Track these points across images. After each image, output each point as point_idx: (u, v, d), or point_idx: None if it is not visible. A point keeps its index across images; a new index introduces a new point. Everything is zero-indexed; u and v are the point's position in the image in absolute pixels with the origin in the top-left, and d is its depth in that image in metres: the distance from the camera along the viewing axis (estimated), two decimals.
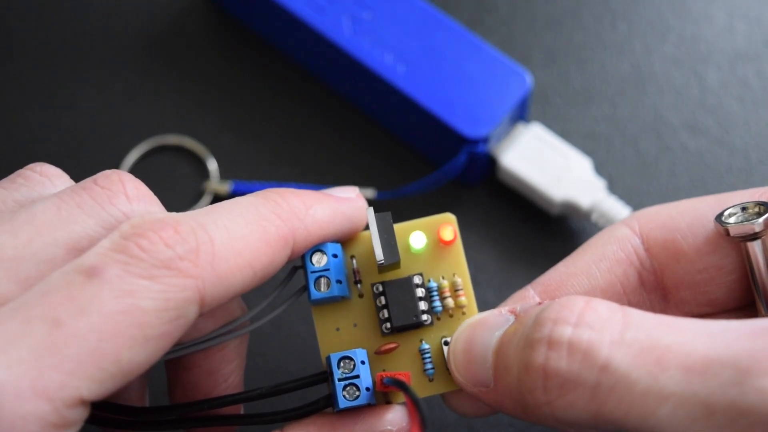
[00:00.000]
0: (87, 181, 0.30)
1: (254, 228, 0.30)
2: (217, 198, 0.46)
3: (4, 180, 0.31)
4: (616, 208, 0.43)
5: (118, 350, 0.26)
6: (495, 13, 0.51)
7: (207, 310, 0.28)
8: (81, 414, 0.26)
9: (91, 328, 0.25)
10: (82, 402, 0.26)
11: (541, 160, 0.45)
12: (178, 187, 0.47)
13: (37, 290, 0.26)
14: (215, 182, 0.47)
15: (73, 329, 0.25)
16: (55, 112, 0.49)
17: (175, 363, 0.34)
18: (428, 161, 0.47)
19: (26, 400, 0.24)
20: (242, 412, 0.35)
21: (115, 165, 0.47)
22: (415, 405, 0.29)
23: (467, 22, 0.50)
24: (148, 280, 0.26)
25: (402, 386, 0.30)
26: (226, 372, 0.34)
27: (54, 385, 0.25)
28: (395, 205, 0.45)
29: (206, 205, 0.45)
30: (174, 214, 0.29)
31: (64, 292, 0.26)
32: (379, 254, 0.32)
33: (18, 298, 0.26)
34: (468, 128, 0.44)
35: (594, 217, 0.44)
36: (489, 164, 0.46)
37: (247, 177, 0.47)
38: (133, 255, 0.27)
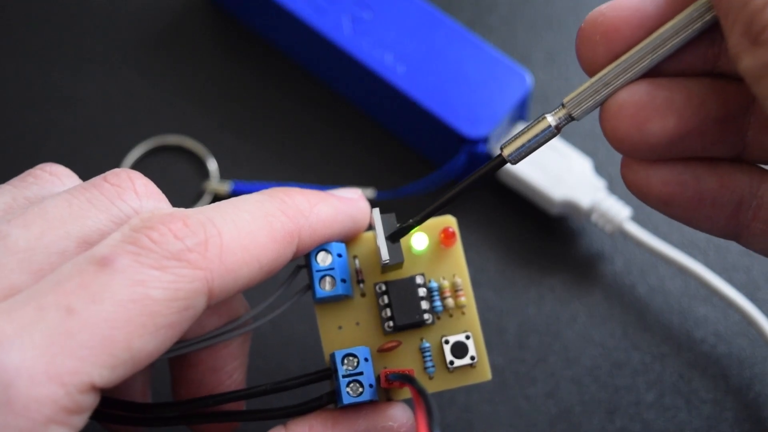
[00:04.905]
0: (97, 179, 0.30)
1: (261, 223, 0.30)
2: (217, 198, 0.46)
3: (15, 179, 0.31)
4: (616, 208, 0.44)
5: (129, 338, 0.26)
6: (495, 13, 0.51)
7: (215, 303, 0.29)
8: (92, 400, 0.26)
9: (104, 315, 0.26)
10: (94, 388, 0.26)
11: (541, 160, 0.45)
12: (178, 187, 0.47)
13: (50, 279, 0.26)
14: (215, 182, 0.47)
15: (85, 316, 0.26)
16: (55, 112, 0.49)
17: (180, 360, 0.35)
18: (428, 161, 0.47)
19: (40, 384, 0.25)
20: (244, 409, 0.35)
21: (115, 165, 0.47)
22: (422, 397, 0.29)
23: (467, 22, 0.50)
24: (158, 270, 0.27)
25: (408, 380, 0.31)
26: (230, 369, 0.35)
27: (67, 371, 0.25)
28: (395, 205, 0.45)
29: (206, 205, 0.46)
30: (183, 209, 0.29)
31: (76, 281, 0.26)
32: (385, 254, 0.32)
33: (31, 286, 0.26)
34: (468, 128, 0.44)
35: (594, 217, 0.44)
36: None
37: (247, 177, 0.47)
38: (144, 246, 0.27)
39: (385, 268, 0.33)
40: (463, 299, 0.34)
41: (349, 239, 0.34)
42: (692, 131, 0.29)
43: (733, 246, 0.44)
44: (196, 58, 0.50)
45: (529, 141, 0.31)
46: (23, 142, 0.48)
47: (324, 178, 0.47)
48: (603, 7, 0.29)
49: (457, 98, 0.44)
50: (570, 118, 0.30)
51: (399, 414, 0.33)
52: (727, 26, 0.26)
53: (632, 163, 0.30)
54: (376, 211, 0.33)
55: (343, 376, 0.32)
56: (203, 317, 0.33)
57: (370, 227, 0.34)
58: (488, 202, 0.47)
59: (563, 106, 0.30)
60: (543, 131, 0.30)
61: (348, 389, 0.32)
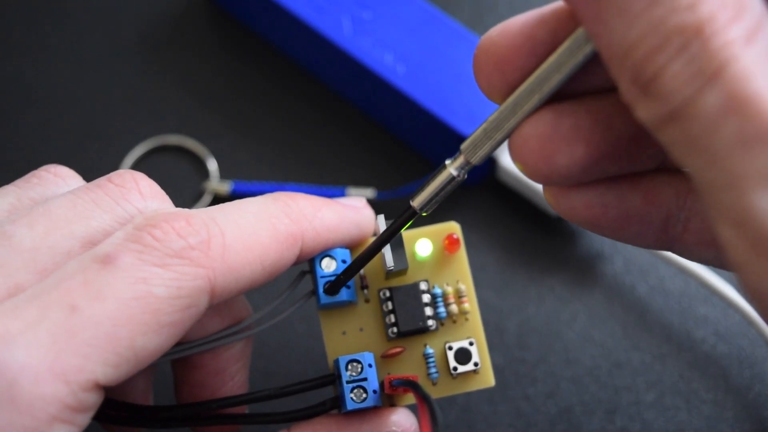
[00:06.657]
0: (101, 180, 0.31)
1: (264, 225, 0.30)
2: (217, 198, 0.46)
3: (19, 180, 0.31)
4: None
5: (132, 335, 0.26)
6: (495, 13, 0.51)
7: (217, 302, 0.29)
8: (96, 398, 0.26)
9: (107, 313, 0.26)
10: (98, 386, 0.26)
11: None
12: (178, 187, 0.47)
13: (54, 277, 0.27)
14: (215, 182, 0.47)
15: (89, 314, 0.26)
16: (55, 112, 0.48)
17: (183, 362, 0.35)
18: (428, 161, 0.47)
19: (45, 382, 0.25)
20: (246, 412, 0.36)
21: (115, 165, 0.47)
22: (426, 403, 0.29)
23: (467, 22, 0.50)
24: (161, 267, 0.27)
25: (413, 386, 0.31)
26: (233, 371, 0.35)
27: (71, 369, 0.25)
28: (395, 205, 0.45)
29: (206, 205, 0.46)
30: (186, 209, 0.29)
31: (80, 279, 0.26)
32: (390, 261, 0.32)
33: (36, 285, 0.27)
34: (468, 128, 0.44)
35: None
36: (489, 165, 0.46)
37: (247, 177, 0.47)
38: (147, 244, 0.27)
39: (390, 274, 0.33)
40: (466, 305, 0.34)
41: (353, 245, 0.34)
42: (604, 154, 0.27)
43: None
44: (197, 58, 0.50)
45: (436, 191, 0.29)
46: (23, 142, 0.48)
47: (324, 178, 0.47)
48: (494, 33, 0.27)
49: (457, 98, 0.44)
50: (469, 164, 0.29)
51: (402, 420, 0.33)
52: (613, 71, 0.24)
53: (552, 189, 0.29)
54: (381, 217, 0.33)
55: (347, 382, 0.32)
56: (206, 319, 0.33)
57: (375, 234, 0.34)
58: (488, 202, 0.47)
59: (461, 152, 0.29)
60: (447, 180, 0.29)
61: (352, 395, 0.32)
